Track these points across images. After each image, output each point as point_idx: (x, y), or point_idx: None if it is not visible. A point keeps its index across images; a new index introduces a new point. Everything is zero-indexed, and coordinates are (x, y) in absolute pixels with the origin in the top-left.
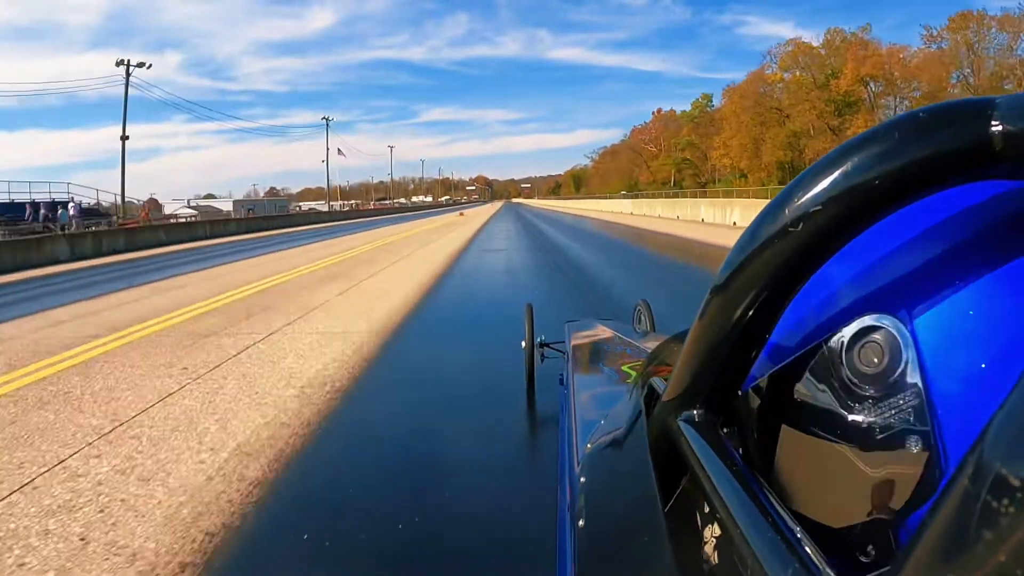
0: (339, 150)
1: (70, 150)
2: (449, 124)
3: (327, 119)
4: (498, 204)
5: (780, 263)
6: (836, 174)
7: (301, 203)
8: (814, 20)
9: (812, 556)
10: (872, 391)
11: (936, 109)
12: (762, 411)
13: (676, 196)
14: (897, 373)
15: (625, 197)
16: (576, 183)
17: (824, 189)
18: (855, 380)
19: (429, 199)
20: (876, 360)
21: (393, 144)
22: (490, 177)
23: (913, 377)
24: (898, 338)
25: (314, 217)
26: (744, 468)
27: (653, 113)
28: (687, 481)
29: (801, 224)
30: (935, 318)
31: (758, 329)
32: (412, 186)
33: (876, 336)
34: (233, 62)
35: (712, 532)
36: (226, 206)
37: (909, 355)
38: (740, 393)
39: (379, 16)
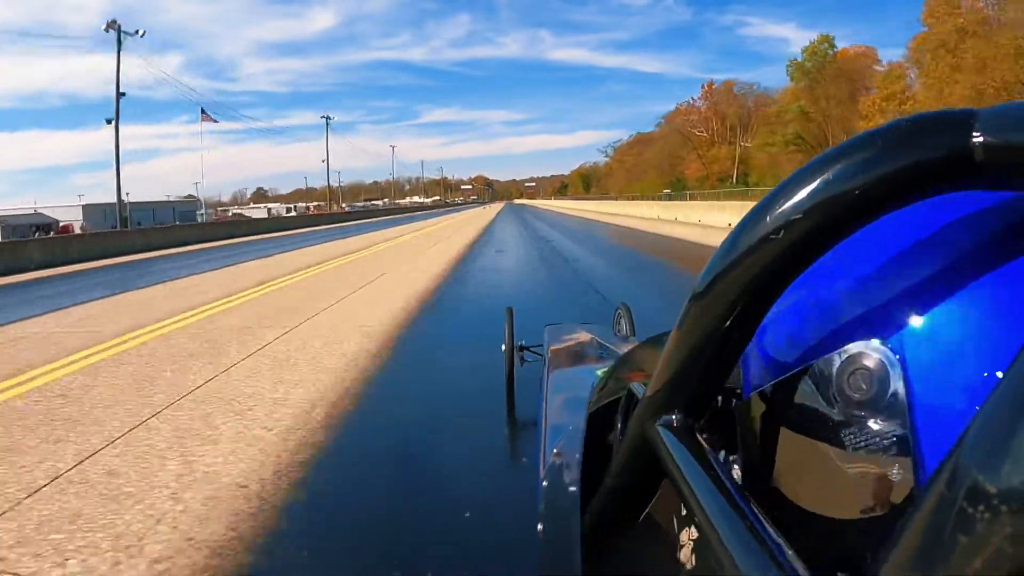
0: (203, 110)
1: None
2: (451, 125)
3: (117, 26)
4: (497, 206)
5: (761, 271)
6: (818, 182)
7: (244, 207)
8: (816, 21)
9: (791, 561)
10: (859, 417)
11: (919, 119)
12: (750, 427)
13: None
14: (885, 400)
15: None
16: (585, 182)
17: (806, 197)
18: (843, 405)
19: (419, 199)
20: (864, 387)
21: (396, 144)
22: (491, 177)
23: (899, 405)
24: (887, 365)
25: (180, 236)
26: (723, 473)
27: (703, 87)
28: (665, 486)
29: (783, 232)
30: (924, 336)
31: (738, 335)
32: (408, 187)
33: (866, 363)
34: (234, 63)
35: (689, 536)
36: (70, 216)
37: (897, 382)
38: (719, 401)
39: (380, 16)
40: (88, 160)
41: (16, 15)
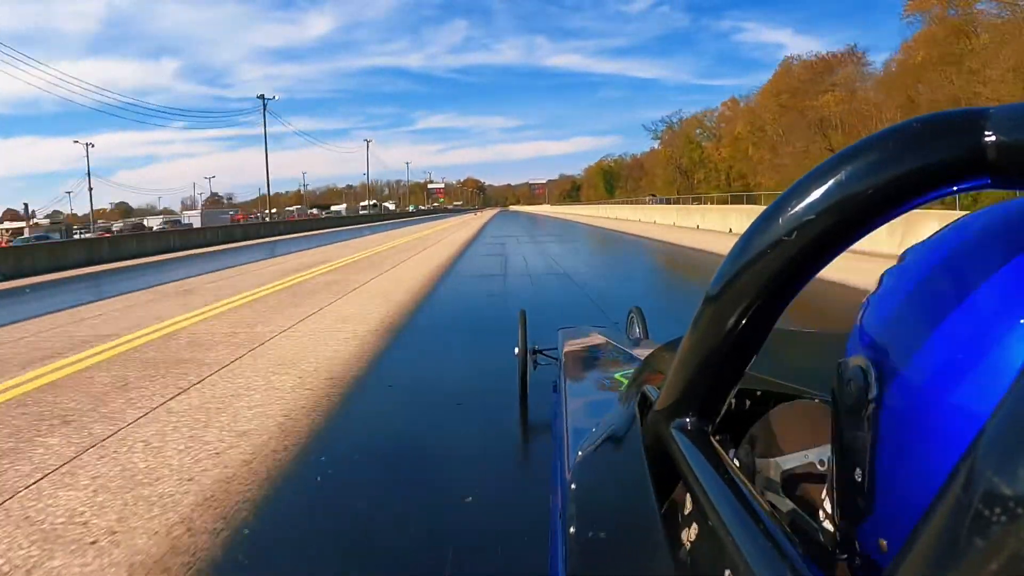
0: None
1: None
2: (447, 131)
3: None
4: (484, 217)
5: (774, 273)
6: (830, 183)
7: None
8: (811, 27)
9: (803, 562)
10: (843, 420)
11: (931, 119)
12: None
13: None
14: (864, 407)
15: None
16: (607, 182)
17: (818, 199)
18: (838, 408)
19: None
20: (852, 393)
21: (390, 149)
22: (485, 182)
23: (871, 416)
24: (868, 376)
25: None
26: (735, 475)
27: None
28: (679, 488)
29: (795, 234)
30: (925, 343)
31: (751, 339)
32: (387, 191)
33: (853, 371)
34: (230, 69)
35: (703, 539)
36: None
37: (874, 392)
38: (732, 404)
39: (378, 23)
40: None
41: None
